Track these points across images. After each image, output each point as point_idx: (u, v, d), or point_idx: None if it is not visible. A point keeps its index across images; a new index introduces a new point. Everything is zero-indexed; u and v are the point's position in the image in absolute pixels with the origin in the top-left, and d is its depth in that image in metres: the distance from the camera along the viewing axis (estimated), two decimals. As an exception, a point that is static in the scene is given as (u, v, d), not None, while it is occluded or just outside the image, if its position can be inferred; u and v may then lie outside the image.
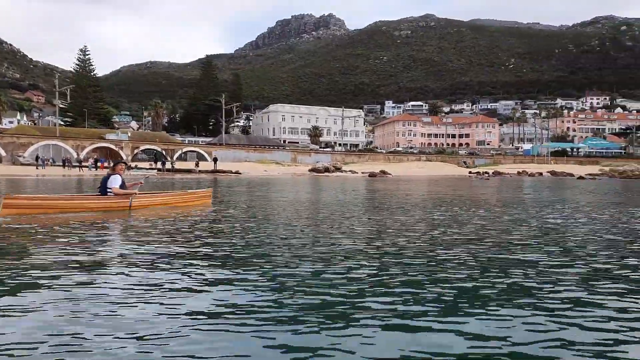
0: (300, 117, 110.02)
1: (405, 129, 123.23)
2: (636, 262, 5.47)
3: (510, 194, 21.51)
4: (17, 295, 3.78)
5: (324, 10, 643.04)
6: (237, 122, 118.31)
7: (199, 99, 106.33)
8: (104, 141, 66.56)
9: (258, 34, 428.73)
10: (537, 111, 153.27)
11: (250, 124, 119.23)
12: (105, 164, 51.39)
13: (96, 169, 48.19)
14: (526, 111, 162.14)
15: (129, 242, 6.39)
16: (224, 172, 50.47)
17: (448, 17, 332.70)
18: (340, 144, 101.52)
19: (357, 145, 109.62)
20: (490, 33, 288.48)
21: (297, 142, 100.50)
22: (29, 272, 4.57)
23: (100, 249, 5.90)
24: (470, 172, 71.28)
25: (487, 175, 60.06)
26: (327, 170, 57.80)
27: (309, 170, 59.43)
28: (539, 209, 12.65)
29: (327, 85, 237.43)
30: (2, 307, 3.47)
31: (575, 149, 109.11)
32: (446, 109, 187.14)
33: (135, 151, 67.33)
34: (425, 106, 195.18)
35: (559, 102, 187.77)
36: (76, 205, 9.84)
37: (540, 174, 69.95)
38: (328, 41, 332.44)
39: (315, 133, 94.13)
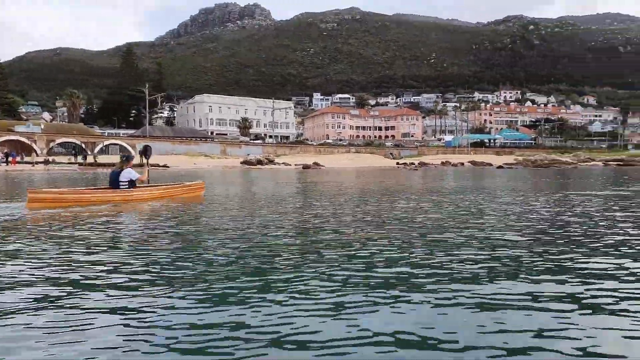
0: (229, 108, 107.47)
1: (334, 121, 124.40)
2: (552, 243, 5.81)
3: (453, 183, 22.12)
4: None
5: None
6: (161, 113, 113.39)
7: (119, 89, 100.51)
8: (13, 134, 60.85)
9: (180, 21, 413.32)
10: (457, 104, 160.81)
11: (175, 115, 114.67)
12: (18, 159, 47.13)
13: (7, 164, 43.86)
14: (447, 104, 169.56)
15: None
16: (151, 165, 48.07)
17: (373, 10, 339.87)
18: (270, 136, 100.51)
19: (287, 137, 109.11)
20: (413, 28, 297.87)
21: (226, 134, 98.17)
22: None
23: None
24: (397, 163, 73.28)
25: (414, 165, 61.92)
26: (259, 162, 56.91)
27: (241, 163, 58.21)
28: (489, 195, 13.00)
29: (254, 76, 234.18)
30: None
31: (492, 140, 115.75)
32: (372, 102, 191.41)
33: (51, 144, 62.39)
34: (353, 99, 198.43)
35: (477, 95, 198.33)
36: (96, 198, 10.21)
37: (462, 164, 73.44)
38: (254, 31, 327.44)
39: (244, 125, 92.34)
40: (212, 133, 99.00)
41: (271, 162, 61.32)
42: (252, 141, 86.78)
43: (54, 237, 6.27)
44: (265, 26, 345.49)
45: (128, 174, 10.86)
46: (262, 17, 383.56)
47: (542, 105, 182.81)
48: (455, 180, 27.31)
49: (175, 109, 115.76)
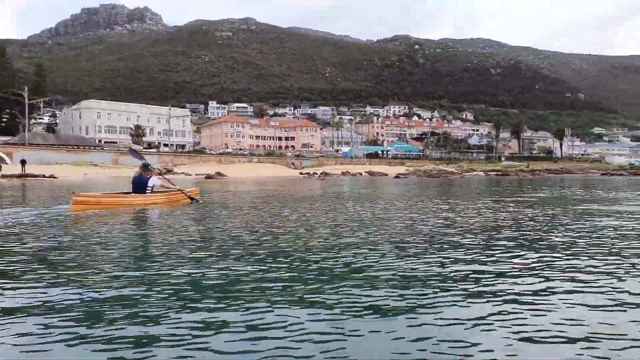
0: (119, 114, 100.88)
1: (233, 130, 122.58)
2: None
3: (366, 190, 22.86)
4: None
5: (137, 2, 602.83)
6: (40, 119, 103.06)
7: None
8: None
9: (58, 20, 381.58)
10: (351, 117, 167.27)
11: (57, 121, 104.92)
12: None
13: None
14: (342, 117, 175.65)
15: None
16: (34, 176, 43.31)
17: (268, 22, 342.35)
18: (166, 145, 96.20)
19: (184, 146, 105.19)
20: (308, 42, 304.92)
21: (116, 142, 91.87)
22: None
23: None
24: (301, 173, 74.11)
25: (321, 176, 63.03)
26: (158, 173, 54.07)
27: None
28: (398, 202, 13.68)
29: (146, 82, 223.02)
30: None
31: (385, 152, 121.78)
32: (270, 112, 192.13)
33: None
34: (250, 108, 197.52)
35: (369, 109, 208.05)
36: (130, 202, 11.69)
37: (361, 174, 76.32)
38: (144, 35, 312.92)
39: (137, 132, 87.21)
40: (100, 141, 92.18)
41: (169, 171, 58.62)
42: (146, 150, 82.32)
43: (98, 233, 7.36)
44: (157, 31, 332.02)
45: (153, 181, 12.49)
46: (152, 21, 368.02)
47: (428, 119, 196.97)
48: (372, 188, 28.29)
49: (57, 115, 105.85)
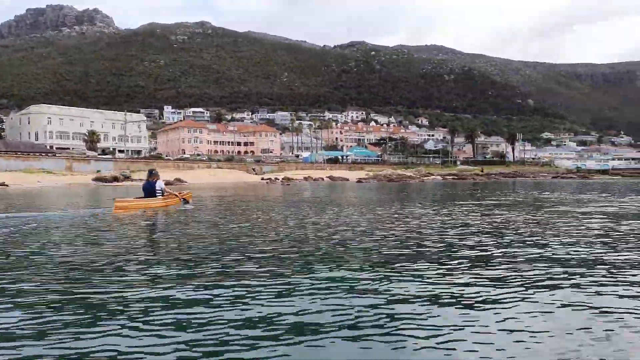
0: (72, 120, 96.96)
1: (191, 135, 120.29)
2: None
3: (336, 194, 22.87)
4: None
5: (86, 3, 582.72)
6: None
7: None
8: None
9: (1, 21, 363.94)
10: (310, 122, 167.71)
11: (4, 127, 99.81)
12: None
13: None
14: (302, 122, 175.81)
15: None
16: (-18, 184, 40.94)
17: (224, 26, 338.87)
18: (121, 151, 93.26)
19: (139, 152, 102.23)
20: (264, 46, 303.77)
21: (69, 148, 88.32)
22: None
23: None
24: (262, 179, 73.53)
25: (285, 181, 62.63)
26: (115, 179, 52.28)
27: (93, 180, 52.84)
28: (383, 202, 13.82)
29: (98, 87, 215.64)
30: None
31: (344, 157, 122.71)
32: (228, 117, 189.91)
33: None
34: (207, 113, 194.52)
35: (327, 114, 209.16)
36: (154, 204, 13.72)
37: (322, 179, 76.60)
38: (95, 38, 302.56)
39: (92, 138, 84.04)
40: (52, 147, 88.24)
41: (127, 178, 56.86)
42: (101, 156, 79.52)
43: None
44: (109, 34, 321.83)
45: (160, 184, 14.26)
46: (103, 24, 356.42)
47: (385, 124, 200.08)
48: (341, 193, 28.34)
49: (4, 120, 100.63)
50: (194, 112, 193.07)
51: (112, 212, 12.33)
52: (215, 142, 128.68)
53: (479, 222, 10.57)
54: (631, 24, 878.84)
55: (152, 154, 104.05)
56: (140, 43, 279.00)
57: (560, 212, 13.11)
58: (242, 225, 10.09)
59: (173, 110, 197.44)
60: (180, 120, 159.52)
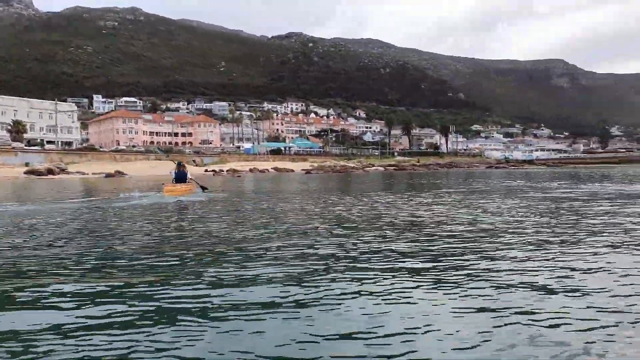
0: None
1: (126, 126, 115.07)
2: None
3: (302, 186, 22.95)
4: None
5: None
6: None
7: None
8: None
9: None
10: (251, 113, 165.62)
11: None
12: None
13: None
14: (242, 113, 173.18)
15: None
16: None
17: (157, 13, 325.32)
18: (49, 142, 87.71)
19: (70, 143, 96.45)
20: (200, 35, 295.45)
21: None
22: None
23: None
24: (206, 170, 71.98)
25: (232, 173, 61.66)
26: (50, 172, 49.21)
27: (25, 173, 49.43)
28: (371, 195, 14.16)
29: (18, 73, 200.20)
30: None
31: (287, 148, 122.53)
32: (163, 107, 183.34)
33: None
34: (140, 103, 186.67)
35: (266, 105, 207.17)
36: (188, 189, 17.76)
37: (268, 170, 76.29)
38: (13, 21, 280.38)
39: (17, 129, 78.03)
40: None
41: (63, 170, 53.75)
42: (29, 147, 74.37)
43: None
44: (28, 17, 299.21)
45: (188, 175, 18.80)
46: (22, 5, 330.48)
47: (325, 116, 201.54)
48: (299, 184, 28.38)
49: None
50: (126, 101, 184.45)
51: (164, 195, 16.32)
52: (152, 133, 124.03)
53: (506, 213, 11.11)
54: (550, 24, 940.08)
55: (84, 145, 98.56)
56: (65, 28, 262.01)
57: (559, 200, 14.01)
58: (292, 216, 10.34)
59: (104, 99, 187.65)
60: (112, 110, 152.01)
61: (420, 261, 5.39)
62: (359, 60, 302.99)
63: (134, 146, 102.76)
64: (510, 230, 7.64)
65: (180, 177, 17.94)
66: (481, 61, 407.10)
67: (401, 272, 4.85)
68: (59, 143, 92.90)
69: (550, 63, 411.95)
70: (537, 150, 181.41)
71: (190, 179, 18.69)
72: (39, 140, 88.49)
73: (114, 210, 12.36)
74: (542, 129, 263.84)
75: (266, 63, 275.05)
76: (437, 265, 5.16)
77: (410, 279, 4.60)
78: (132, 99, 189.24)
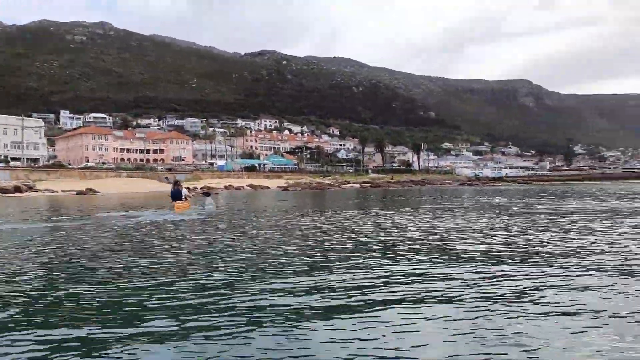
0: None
1: (95, 142, 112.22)
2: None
3: (292, 202, 22.53)
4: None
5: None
6: None
7: None
8: None
9: None
10: (224, 130, 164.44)
11: None
12: None
13: None
14: (214, 129, 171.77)
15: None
16: None
17: (127, 28, 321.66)
18: (14, 159, 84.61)
19: (36, 160, 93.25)
20: (172, 51, 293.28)
21: (-50, 155, 78.34)
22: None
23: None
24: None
25: (207, 190, 60.48)
26: (17, 189, 47.14)
27: (-10, 191, 47.25)
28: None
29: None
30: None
31: (262, 165, 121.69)
32: (133, 123, 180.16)
33: None
34: (110, 119, 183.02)
35: (239, 122, 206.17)
36: (187, 204, 18.80)
37: (243, 187, 75.36)
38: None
39: (-20, 144, 75.15)
40: None
41: (31, 188, 51.66)
42: (-8, 164, 71.52)
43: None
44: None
45: (185, 191, 19.39)
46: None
47: (299, 134, 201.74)
48: (283, 199, 27.93)
49: None
50: (95, 117, 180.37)
51: (176, 212, 17.43)
52: (122, 149, 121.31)
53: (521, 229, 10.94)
54: (517, 46, 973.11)
55: (51, 162, 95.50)
56: (31, 41, 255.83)
57: (540, 214, 13.99)
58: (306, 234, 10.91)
59: (71, 115, 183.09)
60: (81, 126, 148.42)
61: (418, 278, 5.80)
62: (332, 79, 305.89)
63: (104, 163, 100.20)
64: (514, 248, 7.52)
65: (176, 194, 18.57)
66: (451, 80, 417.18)
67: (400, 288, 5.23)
68: (25, 160, 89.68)
69: (516, 83, 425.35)
70: (505, 167, 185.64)
71: (188, 195, 19.81)
72: (3, 157, 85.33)
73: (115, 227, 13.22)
74: (510, 147, 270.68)
75: (239, 80, 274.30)
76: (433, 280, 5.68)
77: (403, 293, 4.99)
78: (102, 115, 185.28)
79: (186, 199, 19.09)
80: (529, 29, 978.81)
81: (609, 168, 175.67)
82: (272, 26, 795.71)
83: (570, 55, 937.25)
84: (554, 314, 4.18)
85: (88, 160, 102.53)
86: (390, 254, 7.49)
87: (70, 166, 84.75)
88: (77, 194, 47.88)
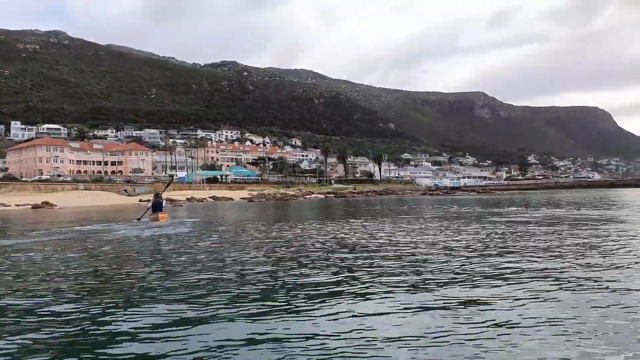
0: None
1: (50, 154, 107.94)
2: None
3: (265, 214, 22.47)
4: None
5: None
6: None
7: None
8: None
9: None
10: (184, 141, 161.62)
11: None
12: None
13: None
14: (174, 140, 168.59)
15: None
16: None
17: (83, 37, 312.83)
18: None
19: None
20: (129, 61, 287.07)
21: None
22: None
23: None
24: (141, 200, 68.85)
25: (171, 203, 59.24)
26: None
27: (-63, 205, 44.75)
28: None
29: None
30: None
31: (224, 176, 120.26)
32: (90, 134, 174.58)
33: None
34: (65, 130, 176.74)
35: (200, 133, 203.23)
36: (166, 215, 20.72)
37: (206, 199, 74.25)
38: None
39: None
40: None
41: (-18, 202, 49.22)
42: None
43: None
44: None
45: (164, 203, 20.76)
46: None
47: (261, 144, 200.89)
48: (255, 212, 27.82)
49: None
50: (49, 128, 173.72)
51: (155, 222, 18.65)
52: (79, 161, 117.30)
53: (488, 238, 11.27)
54: (471, 60, 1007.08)
55: (3, 174, 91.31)
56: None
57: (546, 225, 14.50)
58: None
59: (23, 126, 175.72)
60: (33, 138, 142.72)
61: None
62: (293, 90, 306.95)
63: (59, 175, 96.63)
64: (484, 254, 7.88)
65: (157, 206, 19.95)
66: (409, 93, 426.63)
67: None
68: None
69: (472, 95, 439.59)
70: (464, 177, 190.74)
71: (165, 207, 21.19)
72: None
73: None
74: (467, 157, 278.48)
75: (199, 91, 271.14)
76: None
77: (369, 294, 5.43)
78: (56, 126, 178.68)
79: (164, 211, 20.39)
80: (481, 45, 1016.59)
81: (561, 177, 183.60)
82: (232, 37, 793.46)
83: (521, 69, 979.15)
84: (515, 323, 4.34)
85: (42, 173, 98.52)
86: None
87: (22, 179, 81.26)
88: (32, 207, 46.00)
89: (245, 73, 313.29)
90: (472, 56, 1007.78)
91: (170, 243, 12.44)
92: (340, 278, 6.35)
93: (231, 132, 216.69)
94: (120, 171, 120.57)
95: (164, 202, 20.69)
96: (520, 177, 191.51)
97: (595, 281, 5.89)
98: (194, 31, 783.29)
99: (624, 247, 8.85)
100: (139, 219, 19.94)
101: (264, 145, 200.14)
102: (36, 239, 13.56)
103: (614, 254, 8.10)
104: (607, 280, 5.95)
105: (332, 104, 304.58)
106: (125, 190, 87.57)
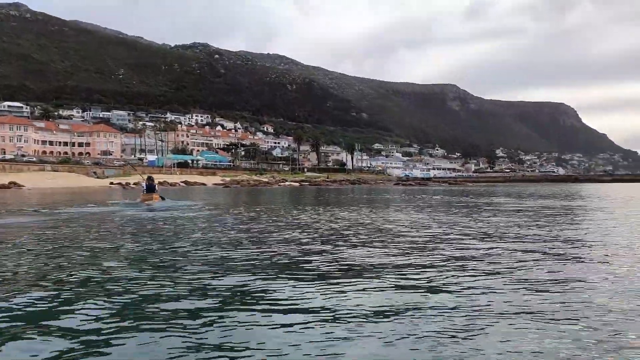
0: None
1: (13, 133, 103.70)
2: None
3: (253, 198, 22.24)
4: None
5: None
6: None
7: None
8: None
9: None
10: (152, 123, 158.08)
11: None
12: None
13: None
14: (145, 123, 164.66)
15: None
16: None
17: (46, 11, 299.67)
18: None
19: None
20: (96, 39, 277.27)
21: None
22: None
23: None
24: (112, 183, 67.28)
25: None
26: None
27: None
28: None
29: None
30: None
31: (194, 161, 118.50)
32: (55, 114, 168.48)
33: None
34: (27, 108, 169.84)
35: (169, 116, 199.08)
36: (157, 196, 21.83)
37: (178, 184, 73.10)
38: None
39: None
40: None
41: (-57, 182, 47.03)
42: None
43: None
44: None
45: (156, 185, 22.77)
46: None
47: (232, 130, 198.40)
48: (240, 197, 27.52)
49: None
50: (10, 106, 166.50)
51: (143, 203, 20.64)
52: (44, 141, 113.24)
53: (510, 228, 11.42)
54: (446, 51, 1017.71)
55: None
56: None
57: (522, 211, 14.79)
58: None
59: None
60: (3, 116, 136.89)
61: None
62: (265, 75, 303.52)
63: (23, 155, 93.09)
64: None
65: (150, 188, 21.85)
66: (382, 83, 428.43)
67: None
68: None
69: (444, 87, 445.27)
70: (433, 169, 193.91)
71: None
72: None
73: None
74: (437, 149, 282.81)
75: (168, 72, 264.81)
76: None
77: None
78: (18, 104, 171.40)
79: (157, 192, 22.17)
80: (456, 37, 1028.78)
81: (528, 171, 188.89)
82: (204, 19, 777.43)
83: (493, 63, 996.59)
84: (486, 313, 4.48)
85: (5, 152, 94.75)
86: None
87: (-15, 158, 78.01)
88: (0, 187, 44.24)
89: (217, 55, 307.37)
90: (447, 48, 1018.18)
91: (204, 223, 13.66)
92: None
93: (202, 117, 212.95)
94: (88, 153, 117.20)
95: (156, 184, 22.90)
96: (488, 170, 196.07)
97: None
98: (163, 11, 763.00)
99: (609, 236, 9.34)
100: (143, 200, 21.47)
101: (236, 130, 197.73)
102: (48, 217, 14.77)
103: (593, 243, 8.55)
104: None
105: (305, 91, 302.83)
106: (94, 172, 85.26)
